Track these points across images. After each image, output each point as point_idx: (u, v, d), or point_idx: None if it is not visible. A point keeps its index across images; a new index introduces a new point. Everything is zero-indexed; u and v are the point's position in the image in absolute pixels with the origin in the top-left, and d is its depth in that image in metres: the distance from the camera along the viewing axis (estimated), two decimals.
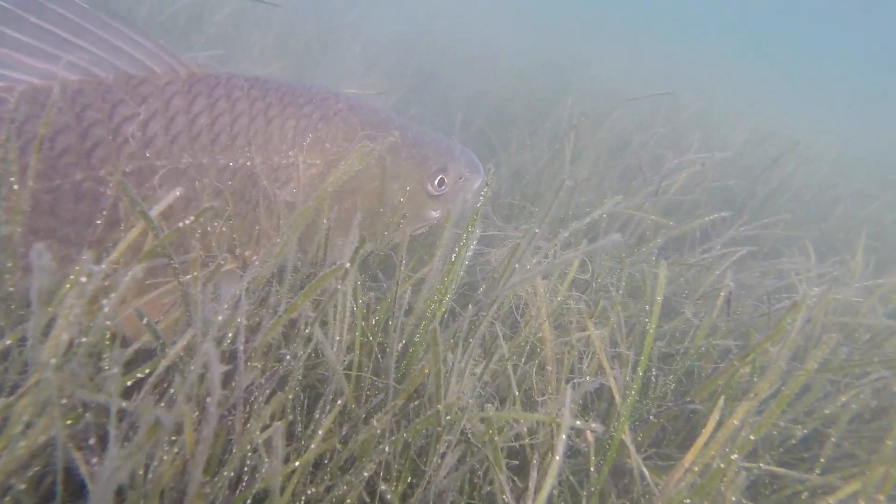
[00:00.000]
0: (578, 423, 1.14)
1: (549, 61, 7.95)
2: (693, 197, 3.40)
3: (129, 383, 1.22)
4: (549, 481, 0.98)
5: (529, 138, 4.02)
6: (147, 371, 1.18)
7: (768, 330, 2.01)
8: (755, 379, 1.64)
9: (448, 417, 1.24)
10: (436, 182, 2.16)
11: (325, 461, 1.29)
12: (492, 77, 6.10)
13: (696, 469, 1.29)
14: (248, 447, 1.14)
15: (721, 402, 1.38)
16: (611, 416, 1.58)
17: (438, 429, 1.23)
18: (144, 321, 1.27)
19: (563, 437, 1.06)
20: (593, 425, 1.17)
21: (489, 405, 1.47)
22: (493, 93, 5.57)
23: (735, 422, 1.31)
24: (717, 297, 2.12)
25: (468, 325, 1.59)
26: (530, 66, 7.25)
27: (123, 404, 1.12)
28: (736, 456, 1.26)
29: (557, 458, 0.88)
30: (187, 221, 1.37)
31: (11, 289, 1.32)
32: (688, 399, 1.62)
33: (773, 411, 1.26)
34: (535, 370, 1.64)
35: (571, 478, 1.46)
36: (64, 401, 0.98)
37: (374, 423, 1.22)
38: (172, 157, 1.68)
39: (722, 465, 1.25)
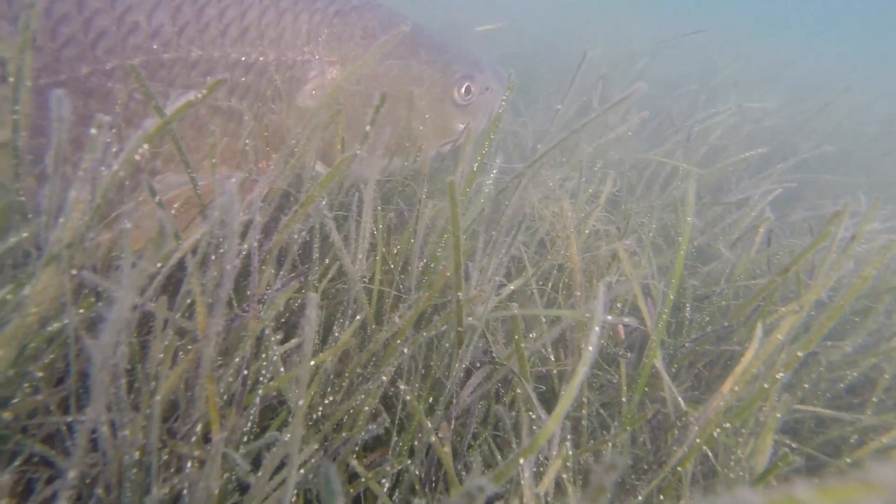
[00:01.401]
0: (610, 317, 1.06)
1: (573, 29, 7.40)
2: (731, 155, 3.15)
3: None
4: (581, 370, 0.92)
5: (556, 95, 3.75)
6: (159, 265, 1.13)
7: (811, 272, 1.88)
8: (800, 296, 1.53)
9: (470, 319, 1.18)
10: (462, 90, 2.01)
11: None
12: (515, 43, 5.65)
13: (736, 390, 1.22)
14: (259, 342, 1.10)
15: (759, 329, 1.29)
16: (643, 347, 1.50)
17: (460, 328, 1.17)
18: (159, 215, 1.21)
19: (597, 329, 0.99)
20: (626, 319, 1.09)
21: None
22: (519, 55, 5.19)
23: (780, 336, 1.22)
24: (755, 236, 1.99)
25: (490, 242, 1.50)
26: (554, 32, 6.73)
27: (135, 299, 1.08)
28: (781, 374, 1.18)
29: (591, 348, 0.81)
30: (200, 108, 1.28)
31: (22, 198, 1.26)
32: (725, 324, 1.53)
33: (824, 323, 1.16)
34: (561, 289, 1.57)
35: (602, 410, 1.40)
36: (74, 272, 0.93)
37: (397, 319, 1.16)
38: (181, 49, 1.57)
39: (766, 385, 1.18)
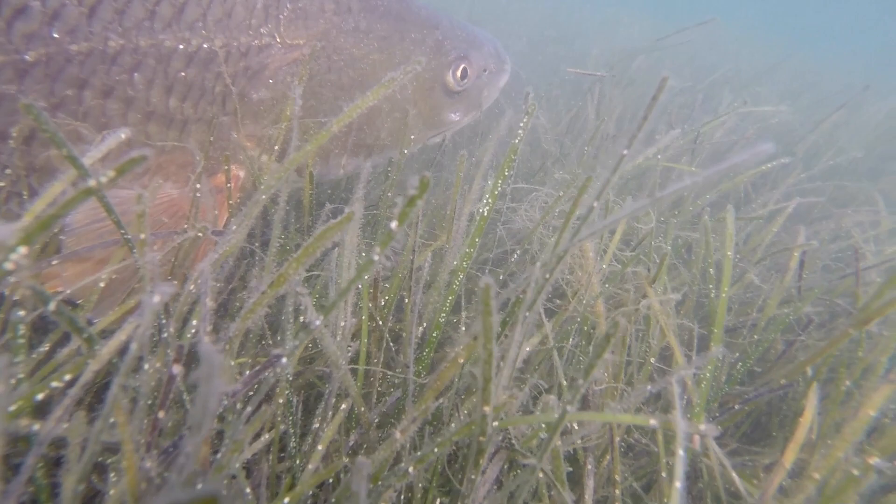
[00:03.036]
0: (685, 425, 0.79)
1: (564, 32, 6.74)
2: (735, 155, 2.81)
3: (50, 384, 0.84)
4: (677, 485, 0.67)
5: (546, 101, 3.31)
6: (68, 377, 0.80)
7: (853, 296, 1.63)
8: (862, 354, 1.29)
9: (496, 423, 0.89)
10: (458, 73, 1.64)
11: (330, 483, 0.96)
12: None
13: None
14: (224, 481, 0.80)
15: (814, 393, 1.04)
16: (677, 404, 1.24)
17: (482, 438, 0.89)
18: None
19: (682, 453, 0.73)
20: (703, 427, 0.83)
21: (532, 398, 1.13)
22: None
23: (870, 412, 0.97)
24: (776, 256, 1.72)
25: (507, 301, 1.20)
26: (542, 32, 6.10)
27: (36, 426, 0.76)
28: (876, 460, 0.94)
29: (678, 484, 0.55)
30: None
31: None
32: (782, 382, 1.27)
33: None
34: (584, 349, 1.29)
35: (635, 483, 1.16)
36: None
37: (398, 434, 0.87)
38: (95, 37, 1.17)
39: (855, 472, 0.94)
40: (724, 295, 1.27)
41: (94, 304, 1.02)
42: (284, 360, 0.86)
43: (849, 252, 2.04)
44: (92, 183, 0.59)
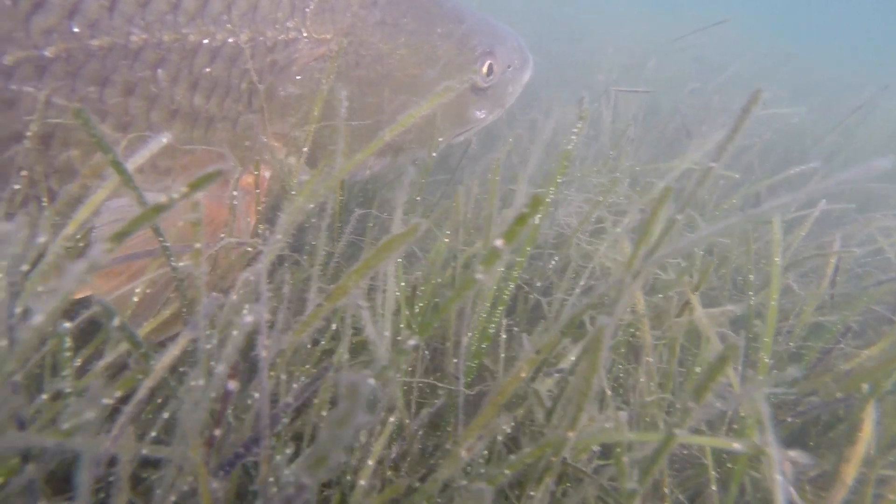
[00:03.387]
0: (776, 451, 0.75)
1: (570, 29, 6.62)
2: (747, 157, 2.77)
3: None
4: None
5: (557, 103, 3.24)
6: (119, 393, 0.75)
7: (886, 303, 1.60)
8: None
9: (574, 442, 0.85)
10: (483, 69, 1.59)
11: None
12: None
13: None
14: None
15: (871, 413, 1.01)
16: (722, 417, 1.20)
17: (553, 458, 0.84)
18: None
19: (779, 478, 0.69)
20: (792, 453, 0.79)
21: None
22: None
23: None
24: (805, 262, 1.69)
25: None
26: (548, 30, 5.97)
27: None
28: None
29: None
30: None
31: None
32: (837, 395, 1.24)
33: None
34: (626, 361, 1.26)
35: (681, 496, 1.12)
36: None
37: (463, 452, 0.82)
38: (116, 31, 1.10)
39: None
40: (773, 303, 1.23)
41: (128, 318, 0.96)
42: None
43: (878, 257, 2.01)
44: (164, 199, 0.54)
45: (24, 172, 1.11)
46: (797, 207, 2.47)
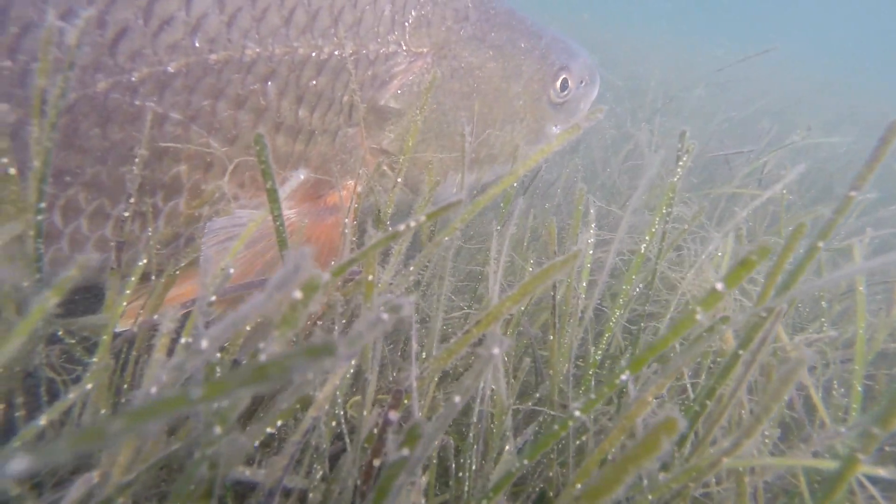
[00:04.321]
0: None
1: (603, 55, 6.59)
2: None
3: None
4: None
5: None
6: (280, 423, 0.75)
7: None
8: None
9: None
10: (558, 84, 1.59)
11: None
12: None
13: None
14: None
15: None
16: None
17: (691, 484, 0.84)
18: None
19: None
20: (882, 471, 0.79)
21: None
22: None
23: None
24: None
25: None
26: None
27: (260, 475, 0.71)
28: None
29: None
30: None
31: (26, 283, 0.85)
32: None
33: None
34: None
35: None
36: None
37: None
38: (233, 45, 1.11)
39: None
40: (860, 332, 1.22)
41: (240, 347, 0.97)
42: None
43: None
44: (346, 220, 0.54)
45: (136, 187, 1.13)
46: (845, 235, 2.46)
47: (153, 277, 1.06)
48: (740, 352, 0.80)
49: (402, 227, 0.61)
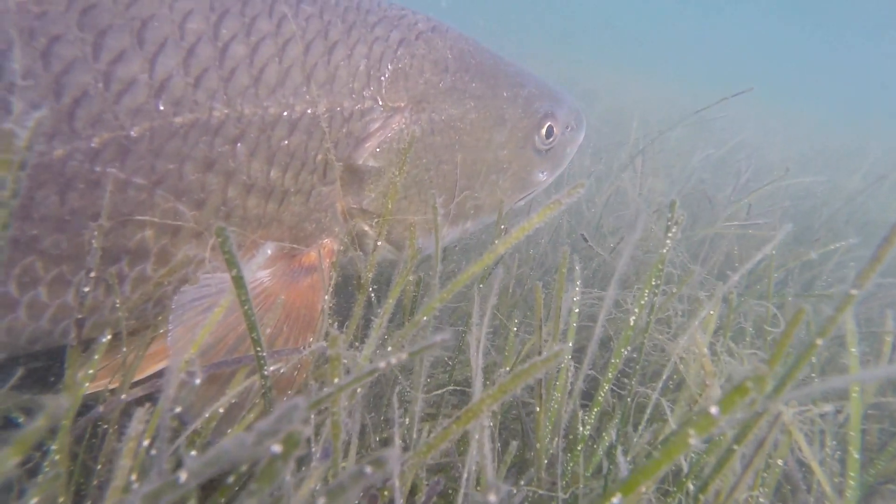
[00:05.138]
0: None
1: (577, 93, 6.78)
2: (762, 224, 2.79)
3: None
4: None
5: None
6: None
7: None
8: None
9: None
10: (543, 132, 1.57)
11: None
12: None
13: None
14: None
15: None
16: None
17: None
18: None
19: None
20: None
21: None
22: None
23: None
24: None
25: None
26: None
27: None
28: None
29: None
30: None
31: None
32: None
33: None
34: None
35: None
36: None
37: None
38: (199, 107, 1.07)
39: None
40: (855, 395, 1.18)
41: (213, 430, 0.90)
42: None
43: None
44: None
45: (98, 254, 1.06)
46: (829, 283, 2.46)
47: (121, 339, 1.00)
48: (735, 447, 0.75)
49: (381, 364, 0.56)
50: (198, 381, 0.64)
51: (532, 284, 1.97)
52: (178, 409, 0.71)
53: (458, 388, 1.26)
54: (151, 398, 0.95)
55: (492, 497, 0.45)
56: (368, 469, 0.40)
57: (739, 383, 0.48)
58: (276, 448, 0.38)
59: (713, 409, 0.49)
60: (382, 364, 0.53)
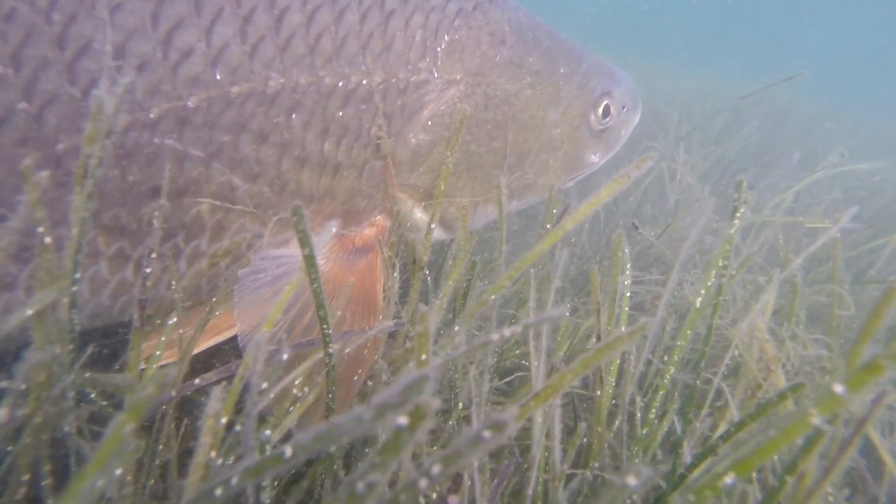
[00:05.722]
0: None
1: None
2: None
3: None
4: None
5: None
6: None
7: None
8: None
9: None
10: (600, 111, 1.50)
11: None
12: None
13: None
14: None
15: None
16: None
17: None
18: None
19: None
20: None
21: None
22: None
23: None
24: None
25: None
26: None
27: None
28: None
29: None
30: None
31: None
32: None
33: None
34: None
35: None
36: None
37: None
38: (255, 77, 1.04)
39: None
40: None
41: (297, 423, 0.88)
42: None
43: None
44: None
45: (160, 234, 1.05)
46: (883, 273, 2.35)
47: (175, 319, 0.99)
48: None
49: (495, 336, 0.53)
50: (285, 357, 0.62)
51: (577, 271, 1.93)
52: (264, 385, 0.69)
53: (512, 375, 1.23)
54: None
55: (631, 479, 0.42)
56: (487, 433, 0.38)
57: (873, 361, 0.44)
58: (403, 420, 0.36)
59: (838, 388, 0.45)
60: (496, 336, 0.50)
